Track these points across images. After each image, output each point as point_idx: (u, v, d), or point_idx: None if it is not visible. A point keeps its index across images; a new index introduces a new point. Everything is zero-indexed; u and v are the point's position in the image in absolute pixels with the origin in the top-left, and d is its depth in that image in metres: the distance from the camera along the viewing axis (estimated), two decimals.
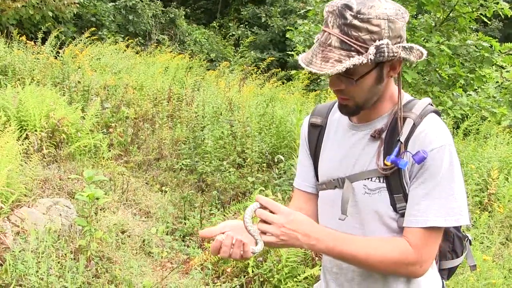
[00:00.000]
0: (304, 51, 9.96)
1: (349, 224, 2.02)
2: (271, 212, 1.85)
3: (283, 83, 15.26)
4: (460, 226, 2.18)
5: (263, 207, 1.86)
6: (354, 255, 1.88)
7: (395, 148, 1.88)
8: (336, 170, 2.05)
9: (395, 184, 1.90)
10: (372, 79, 1.86)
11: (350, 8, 1.76)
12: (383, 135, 1.95)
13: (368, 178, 1.95)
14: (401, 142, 1.88)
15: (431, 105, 1.99)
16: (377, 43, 1.75)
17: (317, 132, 2.19)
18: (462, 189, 1.88)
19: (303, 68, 1.94)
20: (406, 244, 1.88)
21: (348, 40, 1.76)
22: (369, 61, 1.75)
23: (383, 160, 1.91)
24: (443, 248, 2.15)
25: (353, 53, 1.76)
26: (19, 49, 11.55)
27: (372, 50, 1.75)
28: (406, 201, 1.90)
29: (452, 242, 2.15)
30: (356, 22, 1.75)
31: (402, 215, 1.92)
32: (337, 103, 2.01)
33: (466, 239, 2.22)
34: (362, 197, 1.97)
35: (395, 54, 1.78)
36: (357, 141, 2.01)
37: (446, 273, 2.20)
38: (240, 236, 1.90)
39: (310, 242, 1.85)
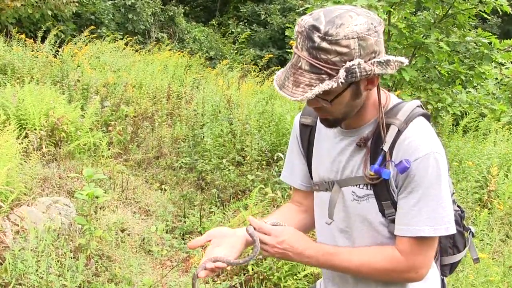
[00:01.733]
0: None
1: (339, 228, 2.05)
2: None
3: None
4: (462, 220, 2.18)
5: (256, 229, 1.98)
6: (345, 267, 1.95)
7: (379, 157, 1.87)
8: (327, 172, 2.06)
9: (382, 191, 1.90)
10: (348, 96, 1.82)
11: (317, 29, 1.69)
12: (369, 143, 1.93)
13: (356, 185, 1.96)
14: (385, 151, 1.86)
15: (420, 107, 1.96)
16: (347, 64, 1.70)
17: (308, 132, 2.18)
18: (449, 197, 1.87)
19: None
20: (395, 253, 1.90)
21: (318, 64, 1.71)
22: (340, 84, 1.70)
23: (369, 169, 1.91)
24: (443, 244, 2.15)
25: (323, 76, 1.71)
26: (18, 46, 11.54)
27: (342, 73, 1.69)
28: (394, 208, 1.90)
29: (452, 237, 2.15)
30: (324, 44, 1.69)
31: (392, 221, 1.92)
32: None
33: (469, 232, 2.23)
34: (351, 203, 1.98)
35: (369, 72, 1.72)
36: (345, 147, 2.00)
37: (448, 268, 2.20)
38: (221, 246, 2.01)
39: (302, 260, 1.96)
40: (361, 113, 1.93)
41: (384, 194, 1.90)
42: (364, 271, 1.93)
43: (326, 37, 1.68)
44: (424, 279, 1.99)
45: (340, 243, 2.05)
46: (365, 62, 1.72)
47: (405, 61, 1.82)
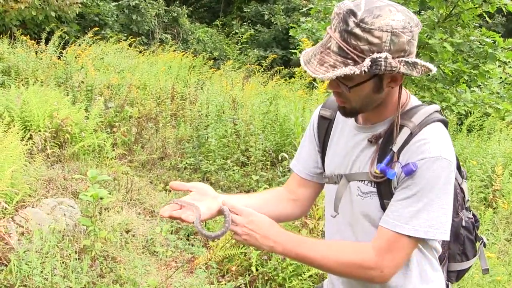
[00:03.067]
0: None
1: (343, 221, 2.06)
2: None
3: (287, 80, 15.25)
4: (474, 228, 2.16)
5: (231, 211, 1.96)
6: (311, 257, 1.90)
7: (387, 157, 1.86)
8: (338, 166, 2.06)
9: (385, 190, 1.89)
10: (369, 88, 1.82)
11: (354, 14, 1.71)
12: (380, 142, 1.93)
13: (362, 181, 1.95)
14: (394, 152, 1.85)
15: (439, 112, 1.94)
16: (374, 55, 1.70)
17: (326, 125, 2.18)
18: (443, 204, 1.82)
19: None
20: (368, 248, 1.87)
21: (346, 48, 1.73)
22: (362, 72, 1.70)
23: (375, 167, 1.90)
24: (452, 250, 2.13)
25: (349, 61, 1.73)
26: (22, 48, 11.55)
27: (367, 62, 1.70)
28: None
29: (462, 244, 2.13)
30: (357, 30, 1.71)
31: None
32: None
33: (481, 242, 2.21)
34: (355, 198, 1.97)
35: (394, 69, 1.72)
36: (358, 142, 2.00)
37: (455, 275, 2.18)
38: (199, 202, 1.99)
39: (268, 244, 1.91)
40: (379, 110, 1.93)
41: (387, 193, 1.89)
42: (329, 264, 1.89)
43: (361, 24, 1.70)
44: (427, 281, 1.98)
45: (346, 237, 2.05)
46: (393, 58, 1.72)
47: (433, 68, 1.82)
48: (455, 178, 2.02)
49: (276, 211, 2.17)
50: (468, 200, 2.16)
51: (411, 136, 1.84)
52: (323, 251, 1.90)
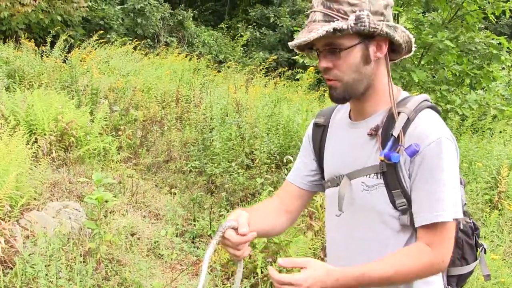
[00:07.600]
0: None
1: (347, 221, 2.05)
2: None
3: (291, 80, 15.28)
4: (473, 234, 2.16)
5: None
6: (381, 277, 1.85)
7: (389, 143, 1.89)
8: (338, 167, 2.07)
9: (392, 180, 1.90)
10: (358, 56, 1.88)
11: None
12: (380, 132, 1.95)
13: (366, 175, 1.96)
14: (394, 136, 1.89)
15: (428, 101, 2.00)
16: (357, 13, 1.81)
17: (320, 131, 2.21)
18: (458, 183, 1.91)
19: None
20: (423, 247, 1.87)
21: (330, 13, 1.84)
22: (349, 27, 1.80)
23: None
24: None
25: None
26: (27, 52, 11.56)
27: (352, 17, 1.81)
28: (405, 197, 1.90)
29: (461, 248, 2.13)
30: None
31: (403, 212, 1.91)
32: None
33: (481, 248, 2.21)
34: (360, 194, 1.98)
35: (377, 27, 1.83)
36: (356, 139, 2.02)
37: (455, 280, 2.16)
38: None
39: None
40: (371, 100, 1.98)
41: (394, 182, 1.90)
42: (400, 278, 1.87)
43: None
44: (427, 283, 1.97)
45: (350, 236, 2.05)
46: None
47: (412, 39, 1.95)
48: None
49: (275, 225, 2.21)
50: (465, 204, 2.17)
51: (408, 121, 1.90)
52: (390, 269, 1.85)
